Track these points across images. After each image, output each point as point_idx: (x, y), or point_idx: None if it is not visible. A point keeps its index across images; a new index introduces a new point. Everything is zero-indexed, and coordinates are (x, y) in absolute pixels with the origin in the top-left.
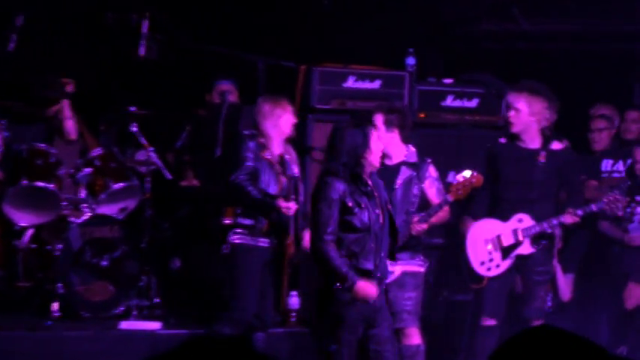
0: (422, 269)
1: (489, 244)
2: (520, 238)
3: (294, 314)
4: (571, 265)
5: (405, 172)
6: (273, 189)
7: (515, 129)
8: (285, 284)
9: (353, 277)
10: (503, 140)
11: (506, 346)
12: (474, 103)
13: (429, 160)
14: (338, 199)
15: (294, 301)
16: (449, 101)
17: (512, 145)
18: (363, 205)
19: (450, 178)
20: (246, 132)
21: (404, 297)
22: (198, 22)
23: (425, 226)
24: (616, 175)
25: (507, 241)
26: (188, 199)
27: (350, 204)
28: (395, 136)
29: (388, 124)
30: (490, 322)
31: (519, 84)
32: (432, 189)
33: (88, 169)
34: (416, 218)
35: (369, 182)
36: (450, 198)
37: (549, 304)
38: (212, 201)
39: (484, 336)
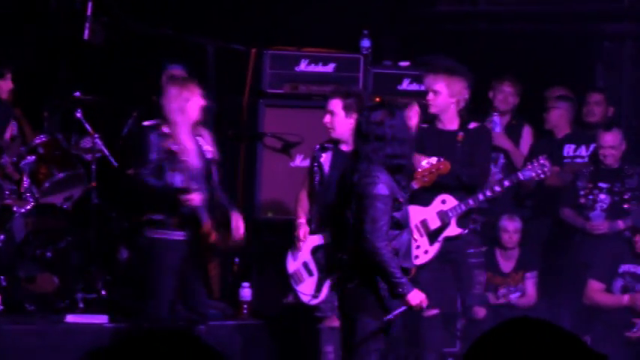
0: None
1: (414, 230)
2: (446, 219)
3: (246, 306)
4: (533, 263)
5: None
6: (178, 180)
7: (433, 110)
8: (214, 274)
9: (407, 285)
10: (424, 125)
11: (486, 337)
12: None
13: None
14: (390, 195)
15: (246, 292)
16: (405, 85)
17: (432, 128)
18: (401, 201)
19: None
20: (146, 123)
21: None
22: (146, 4)
23: None
24: (579, 160)
25: (434, 224)
26: (134, 187)
27: (401, 199)
28: (353, 121)
29: (347, 109)
30: (432, 311)
31: (436, 65)
32: None
33: (31, 157)
34: None
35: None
36: (415, 185)
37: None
38: None
39: (428, 326)
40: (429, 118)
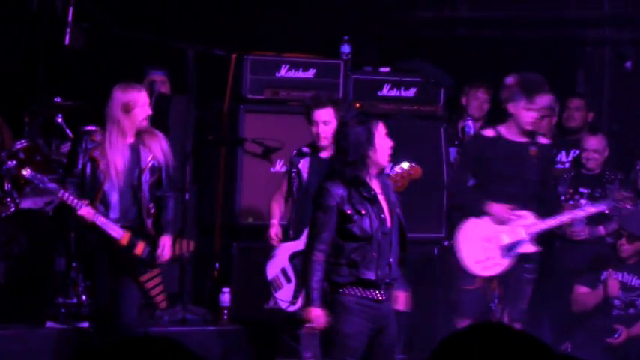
0: None
1: (487, 242)
2: (524, 235)
3: (226, 311)
4: None
5: None
6: (117, 196)
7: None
8: (151, 285)
9: (315, 302)
10: (490, 133)
11: (450, 341)
12: (411, 92)
13: None
14: (335, 207)
15: (226, 297)
16: (385, 90)
17: (500, 138)
18: (363, 212)
19: (387, 170)
20: (86, 128)
21: None
22: (127, 9)
23: None
24: (559, 166)
25: (509, 238)
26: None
27: (348, 212)
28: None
29: (339, 118)
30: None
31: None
32: None
33: (12, 162)
34: None
35: (374, 185)
36: None
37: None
38: None
39: None
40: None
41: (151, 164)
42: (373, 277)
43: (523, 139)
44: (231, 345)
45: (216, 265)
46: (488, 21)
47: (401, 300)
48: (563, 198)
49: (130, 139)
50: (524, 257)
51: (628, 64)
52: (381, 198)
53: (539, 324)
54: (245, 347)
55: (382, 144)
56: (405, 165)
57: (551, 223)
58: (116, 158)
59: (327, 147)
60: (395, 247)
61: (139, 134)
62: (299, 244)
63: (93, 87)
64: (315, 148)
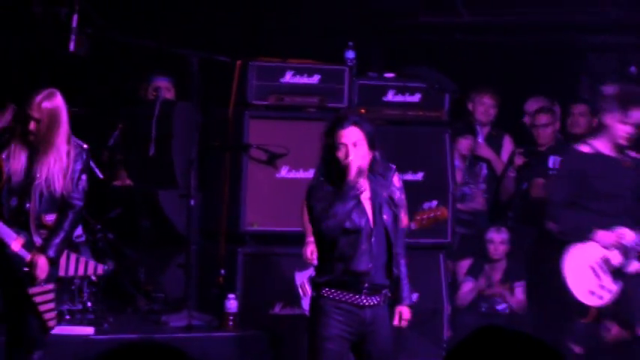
0: None
1: (597, 267)
2: (629, 254)
3: (231, 317)
4: (521, 273)
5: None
6: (13, 202)
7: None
8: (38, 301)
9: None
10: (587, 149)
11: (459, 347)
12: (416, 97)
13: (394, 167)
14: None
15: (231, 304)
16: (390, 96)
17: (598, 154)
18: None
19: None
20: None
21: None
22: (132, 16)
23: None
24: None
25: (616, 260)
26: (121, 199)
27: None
28: None
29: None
30: (576, 349)
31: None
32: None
33: None
34: None
35: (358, 184)
36: (414, 226)
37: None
38: (145, 201)
39: None
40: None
41: (45, 176)
42: (364, 268)
43: (617, 154)
44: (237, 351)
45: (222, 271)
46: (493, 26)
47: (397, 316)
48: None
49: (32, 147)
50: None
51: (632, 69)
52: (365, 199)
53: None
54: (251, 353)
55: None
56: (433, 204)
57: None
58: (15, 164)
59: None
60: (377, 252)
61: (42, 142)
62: None
63: (97, 93)
64: None
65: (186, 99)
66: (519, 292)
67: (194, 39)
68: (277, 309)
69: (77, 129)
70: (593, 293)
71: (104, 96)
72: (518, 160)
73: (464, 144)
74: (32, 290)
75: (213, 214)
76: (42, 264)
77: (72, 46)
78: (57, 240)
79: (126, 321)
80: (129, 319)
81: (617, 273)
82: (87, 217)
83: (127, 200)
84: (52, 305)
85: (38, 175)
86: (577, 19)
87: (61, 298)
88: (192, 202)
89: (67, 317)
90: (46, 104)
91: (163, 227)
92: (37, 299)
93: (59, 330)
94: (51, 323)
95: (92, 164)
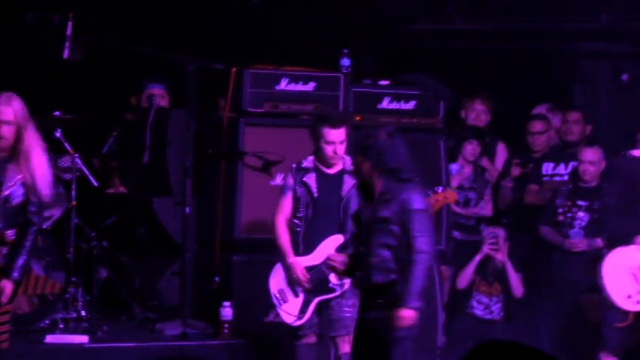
0: None
1: (636, 274)
2: None
3: (227, 325)
4: (517, 265)
5: (349, 182)
6: None
7: None
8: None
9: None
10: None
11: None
12: (411, 105)
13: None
14: None
15: (227, 311)
16: (385, 103)
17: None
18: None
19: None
20: None
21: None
22: (125, 22)
23: None
24: (557, 178)
25: None
26: (115, 207)
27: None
28: None
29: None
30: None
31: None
32: None
33: None
34: None
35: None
36: None
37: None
38: (139, 209)
39: None
40: None
41: (16, 185)
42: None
43: None
44: (232, 359)
45: (216, 278)
46: (487, 33)
47: None
48: (561, 210)
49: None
50: None
51: (624, 76)
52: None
53: (538, 335)
54: None
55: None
56: (439, 189)
57: None
58: None
59: (336, 164)
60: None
61: (15, 150)
62: (310, 259)
63: (92, 100)
64: (321, 163)
65: (180, 106)
66: (515, 280)
67: (189, 46)
68: (272, 317)
69: (71, 136)
70: (630, 297)
71: (98, 103)
72: (515, 171)
73: (469, 149)
74: None
75: (208, 222)
76: (8, 290)
77: (66, 53)
78: (20, 261)
79: (121, 329)
80: (124, 327)
81: None
82: (81, 225)
83: (121, 208)
84: (8, 327)
85: (8, 184)
86: (570, 26)
87: (55, 306)
88: (187, 210)
89: (61, 326)
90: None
91: (158, 235)
92: None
93: (53, 339)
94: (3, 345)
95: (86, 172)
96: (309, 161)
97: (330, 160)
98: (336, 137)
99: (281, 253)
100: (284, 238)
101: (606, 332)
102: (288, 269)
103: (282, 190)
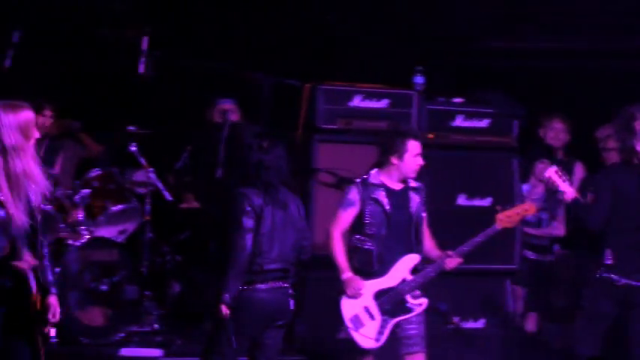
0: None
1: None
2: None
3: (300, 342)
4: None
5: (415, 198)
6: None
7: None
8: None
9: None
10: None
11: None
12: (484, 123)
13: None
14: None
15: (299, 329)
16: (459, 121)
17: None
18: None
19: (460, 201)
20: None
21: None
22: (200, 38)
23: (461, 260)
24: None
25: None
26: (188, 221)
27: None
28: None
29: None
30: None
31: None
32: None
33: (86, 191)
34: (450, 252)
35: None
36: (498, 227)
37: None
38: (212, 224)
39: None
40: None
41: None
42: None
43: None
44: None
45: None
46: (560, 52)
47: None
48: None
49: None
50: None
51: None
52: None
53: None
54: None
55: None
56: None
57: None
58: (8, 199)
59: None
60: None
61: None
62: (385, 281)
63: (167, 116)
64: (388, 179)
65: (252, 122)
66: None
67: (262, 62)
68: (343, 334)
69: (146, 150)
70: None
71: (173, 118)
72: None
73: (540, 169)
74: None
75: None
76: (55, 305)
77: (141, 68)
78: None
79: (194, 343)
80: (197, 341)
81: None
82: (155, 239)
83: (194, 223)
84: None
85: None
86: None
87: (128, 320)
88: None
89: (136, 339)
90: None
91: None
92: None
93: (128, 352)
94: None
95: (160, 186)
96: (375, 177)
97: (415, 173)
98: (420, 149)
99: (337, 267)
100: (341, 253)
101: None
102: (346, 284)
103: (344, 203)
